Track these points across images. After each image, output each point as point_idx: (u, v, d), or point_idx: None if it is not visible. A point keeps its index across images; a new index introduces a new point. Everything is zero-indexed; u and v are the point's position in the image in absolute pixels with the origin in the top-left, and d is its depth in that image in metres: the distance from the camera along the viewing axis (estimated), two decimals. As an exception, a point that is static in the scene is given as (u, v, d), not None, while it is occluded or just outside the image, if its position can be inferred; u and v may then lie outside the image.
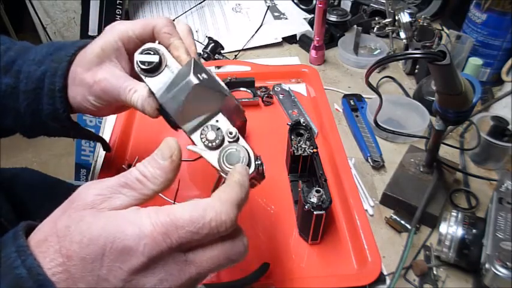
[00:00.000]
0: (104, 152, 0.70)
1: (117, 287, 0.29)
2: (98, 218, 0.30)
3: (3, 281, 0.29)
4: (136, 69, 0.45)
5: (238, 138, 0.42)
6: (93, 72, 0.49)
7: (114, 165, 0.68)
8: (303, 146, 0.64)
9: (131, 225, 0.29)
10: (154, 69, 0.45)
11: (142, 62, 0.44)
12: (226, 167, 0.40)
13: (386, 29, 0.95)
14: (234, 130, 0.41)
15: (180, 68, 0.45)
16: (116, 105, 0.52)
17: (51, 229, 0.30)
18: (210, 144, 0.41)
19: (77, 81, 0.50)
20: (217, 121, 0.42)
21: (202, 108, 0.42)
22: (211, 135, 0.41)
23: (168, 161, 0.33)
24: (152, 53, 0.45)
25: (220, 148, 0.41)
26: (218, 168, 0.40)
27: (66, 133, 0.55)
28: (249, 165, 0.40)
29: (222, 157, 0.40)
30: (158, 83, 0.44)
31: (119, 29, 0.49)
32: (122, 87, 0.47)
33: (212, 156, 0.41)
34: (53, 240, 0.30)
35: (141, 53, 0.45)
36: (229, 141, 0.41)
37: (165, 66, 0.45)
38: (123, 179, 0.33)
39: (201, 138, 0.41)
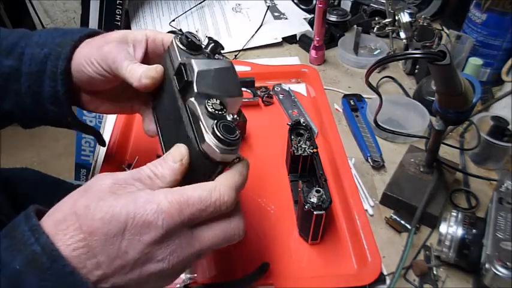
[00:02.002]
0: (104, 152, 0.71)
1: (135, 258, 0.33)
2: (117, 198, 0.34)
3: (19, 257, 0.31)
4: (177, 44, 0.45)
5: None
6: (105, 43, 0.50)
7: (114, 165, 0.68)
8: (303, 146, 0.64)
9: (150, 202, 0.33)
10: (196, 48, 0.46)
11: (187, 37, 0.45)
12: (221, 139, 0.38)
13: (386, 29, 0.95)
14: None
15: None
16: (112, 88, 0.53)
17: (70, 209, 0.33)
18: (214, 112, 0.40)
19: (87, 47, 0.51)
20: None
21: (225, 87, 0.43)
22: (217, 105, 0.40)
23: (178, 164, 0.38)
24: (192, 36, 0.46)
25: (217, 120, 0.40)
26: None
27: (64, 120, 0.55)
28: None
29: (219, 125, 0.38)
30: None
31: (150, 30, 0.52)
32: (121, 59, 0.48)
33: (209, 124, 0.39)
34: (72, 218, 0.33)
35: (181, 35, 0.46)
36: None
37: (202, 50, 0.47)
38: (136, 174, 0.37)
39: (207, 106, 0.40)
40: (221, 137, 0.36)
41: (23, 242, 0.32)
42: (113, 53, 0.48)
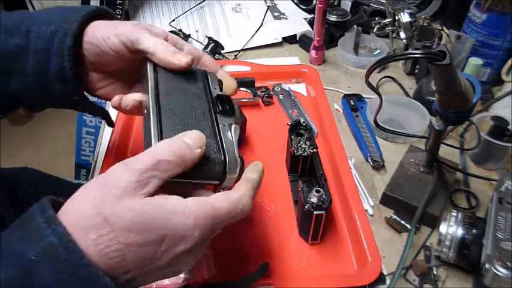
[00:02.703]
0: (104, 152, 0.71)
1: (167, 263, 0.35)
2: (151, 208, 0.34)
3: (34, 248, 0.31)
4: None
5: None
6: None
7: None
8: (303, 146, 0.64)
9: (188, 216, 0.35)
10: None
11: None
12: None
13: (386, 29, 0.95)
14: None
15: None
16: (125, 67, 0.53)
17: (97, 216, 0.32)
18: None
19: (102, 23, 0.51)
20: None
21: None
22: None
23: (199, 150, 0.38)
24: None
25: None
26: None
27: (71, 99, 0.54)
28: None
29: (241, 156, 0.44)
30: None
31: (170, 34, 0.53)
32: (143, 33, 0.49)
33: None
34: (105, 229, 0.32)
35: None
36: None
37: None
38: (153, 158, 0.35)
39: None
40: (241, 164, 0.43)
41: (38, 232, 0.31)
42: (133, 29, 0.49)
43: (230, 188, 0.41)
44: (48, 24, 0.50)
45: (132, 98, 0.52)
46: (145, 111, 0.45)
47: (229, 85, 0.53)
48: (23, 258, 0.30)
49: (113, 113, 0.80)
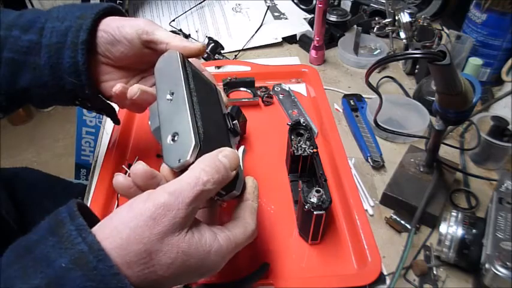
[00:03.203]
0: (104, 152, 0.71)
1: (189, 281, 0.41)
2: (191, 248, 0.36)
3: (65, 255, 0.31)
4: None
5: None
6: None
7: (114, 165, 0.68)
8: (303, 146, 0.64)
9: (221, 258, 0.39)
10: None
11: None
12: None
13: (386, 29, 0.95)
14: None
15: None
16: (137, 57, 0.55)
17: (144, 253, 0.33)
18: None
19: (118, 18, 0.54)
20: None
21: None
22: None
23: (234, 173, 0.40)
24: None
25: None
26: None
27: (81, 93, 0.55)
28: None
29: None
30: None
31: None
32: (157, 26, 0.53)
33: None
34: (148, 264, 0.34)
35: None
36: None
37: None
38: (199, 189, 0.36)
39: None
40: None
41: (70, 240, 0.32)
42: (146, 22, 0.53)
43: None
44: (62, 20, 0.52)
45: (139, 87, 0.52)
46: (158, 106, 0.44)
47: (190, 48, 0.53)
48: (55, 266, 0.31)
49: (115, 106, 0.80)
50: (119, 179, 0.40)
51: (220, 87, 0.84)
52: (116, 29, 0.52)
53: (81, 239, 0.32)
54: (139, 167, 0.39)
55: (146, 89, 0.53)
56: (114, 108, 0.62)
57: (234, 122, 0.49)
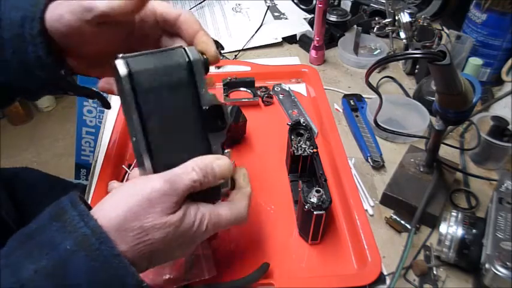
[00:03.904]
0: (104, 152, 0.70)
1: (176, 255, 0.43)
2: (181, 221, 0.40)
3: (69, 238, 0.34)
4: (200, 57, 0.43)
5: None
6: None
7: (114, 165, 0.68)
8: (303, 146, 0.64)
9: (201, 224, 0.42)
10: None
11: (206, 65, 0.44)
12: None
13: (386, 29, 0.95)
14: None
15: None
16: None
17: (139, 229, 0.37)
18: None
19: (57, 2, 0.46)
20: None
21: None
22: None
23: (220, 181, 0.43)
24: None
25: None
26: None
27: (58, 84, 0.50)
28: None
29: None
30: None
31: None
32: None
33: None
34: (143, 238, 0.37)
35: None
36: None
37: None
38: (190, 183, 0.40)
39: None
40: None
41: (73, 225, 0.35)
42: None
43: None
44: (17, 9, 0.46)
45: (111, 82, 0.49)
46: (129, 125, 0.42)
47: (212, 55, 0.45)
48: (59, 248, 0.34)
49: (115, 109, 0.80)
50: (114, 186, 0.43)
51: (220, 87, 0.85)
52: (56, 22, 0.44)
53: (83, 223, 0.34)
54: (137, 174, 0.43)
55: None
56: (101, 94, 0.56)
57: (217, 114, 0.44)
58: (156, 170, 0.41)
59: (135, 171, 0.46)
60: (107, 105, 0.60)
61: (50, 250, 0.34)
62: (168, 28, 0.48)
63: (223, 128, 0.45)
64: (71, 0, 0.44)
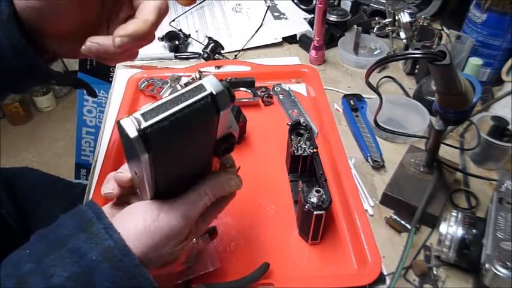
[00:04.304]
0: (104, 152, 0.70)
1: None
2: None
3: (95, 249, 0.37)
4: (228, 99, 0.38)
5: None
6: None
7: (114, 165, 0.68)
8: (303, 146, 0.64)
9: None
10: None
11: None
12: None
13: (386, 29, 0.95)
14: None
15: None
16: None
17: (157, 258, 0.41)
18: None
19: None
20: None
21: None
22: None
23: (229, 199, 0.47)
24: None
25: None
26: None
27: (38, 73, 0.46)
28: None
29: None
30: None
31: None
32: None
33: None
34: (158, 263, 0.42)
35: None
36: None
37: None
38: (200, 209, 0.43)
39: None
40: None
41: (99, 237, 0.37)
42: None
43: None
44: None
45: (97, 41, 0.44)
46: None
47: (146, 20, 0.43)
48: (86, 258, 0.36)
49: (115, 109, 0.80)
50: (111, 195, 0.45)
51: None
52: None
53: (108, 236, 0.37)
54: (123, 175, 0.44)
55: (125, 33, 0.42)
56: (85, 82, 0.54)
57: (228, 143, 0.42)
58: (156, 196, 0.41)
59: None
60: (93, 94, 0.55)
61: (78, 259, 0.36)
62: None
63: (233, 149, 0.43)
64: None
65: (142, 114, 0.34)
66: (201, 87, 0.36)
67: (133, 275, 0.37)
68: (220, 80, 0.37)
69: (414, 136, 0.72)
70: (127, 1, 0.46)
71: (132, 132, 0.33)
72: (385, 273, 0.56)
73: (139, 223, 0.40)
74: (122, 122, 0.33)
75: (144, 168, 0.36)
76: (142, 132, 0.33)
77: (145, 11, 0.43)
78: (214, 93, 0.36)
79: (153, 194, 0.41)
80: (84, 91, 0.55)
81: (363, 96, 0.84)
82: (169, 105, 0.35)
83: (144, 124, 0.33)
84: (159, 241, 0.40)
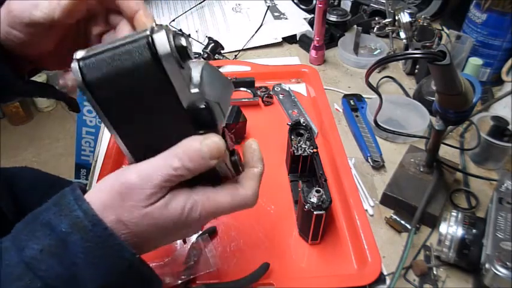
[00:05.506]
0: (104, 152, 0.70)
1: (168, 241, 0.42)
2: (163, 215, 0.38)
3: (64, 221, 0.36)
4: (172, 48, 0.33)
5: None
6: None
7: (114, 165, 0.68)
8: (303, 146, 0.64)
9: (194, 212, 0.39)
10: (188, 56, 0.35)
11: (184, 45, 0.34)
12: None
13: (386, 29, 0.95)
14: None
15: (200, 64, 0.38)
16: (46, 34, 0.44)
17: (118, 222, 0.37)
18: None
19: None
20: None
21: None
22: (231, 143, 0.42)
23: (214, 161, 0.38)
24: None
25: None
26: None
27: (17, 88, 0.47)
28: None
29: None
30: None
31: None
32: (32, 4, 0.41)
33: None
34: (124, 230, 0.37)
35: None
36: None
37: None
38: (165, 174, 0.37)
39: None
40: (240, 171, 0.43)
41: (68, 208, 0.36)
42: (20, 6, 0.41)
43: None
44: None
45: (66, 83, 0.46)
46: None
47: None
48: (57, 230, 0.36)
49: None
50: None
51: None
52: (12, 31, 0.42)
53: (77, 206, 0.36)
54: None
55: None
56: (65, 95, 0.53)
57: (202, 115, 0.37)
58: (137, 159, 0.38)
59: None
60: (76, 109, 0.54)
61: (49, 231, 0.36)
62: (110, 5, 0.45)
63: (215, 125, 0.37)
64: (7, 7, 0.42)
65: (84, 55, 0.34)
66: (142, 32, 0.33)
67: (107, 245, 0.36)
68: (182, 34, 0.34)
69: (414, 136, 0.72)
70: (101, 18, 0.46)
71: (75, 67, 0.33)
72: (385, 273, 0.56)
73: (105, 185, 0.38)
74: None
75: (98, 114, 0.36)
76: (77, 62, 0.33)
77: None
78: (152, 37, 0.32)
79: (134, 160, 0.39)
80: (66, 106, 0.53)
81: (363, 96, 0.84)
82: (105, 46, 0.34)
83: (79, 56, 0.34)
84: (119, 198, 0.37)
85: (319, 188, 0.55)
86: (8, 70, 0.45)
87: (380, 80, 0.91)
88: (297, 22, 1.08)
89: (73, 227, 0.35)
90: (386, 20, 0.94)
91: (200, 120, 0.37)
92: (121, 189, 0.37)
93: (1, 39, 0.43)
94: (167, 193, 0.38)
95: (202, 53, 0.97)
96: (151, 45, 0.32)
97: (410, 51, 0.83)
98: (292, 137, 0.65)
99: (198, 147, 0.37)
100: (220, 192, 0.40)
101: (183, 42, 0.33)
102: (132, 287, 0.39)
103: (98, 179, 0.65)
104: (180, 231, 0.41)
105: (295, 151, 0.63)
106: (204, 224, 0.43)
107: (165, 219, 0.38)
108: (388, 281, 0.55)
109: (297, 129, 0.67)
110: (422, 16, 0.92)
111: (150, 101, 0.35)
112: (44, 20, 0.41)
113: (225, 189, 0.41)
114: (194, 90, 0.35)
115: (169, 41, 0.33)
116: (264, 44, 1.02)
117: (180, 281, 0.52)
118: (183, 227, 0.40)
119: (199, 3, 1.15)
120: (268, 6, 1.12)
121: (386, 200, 0.64)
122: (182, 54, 0.33)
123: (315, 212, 0.54)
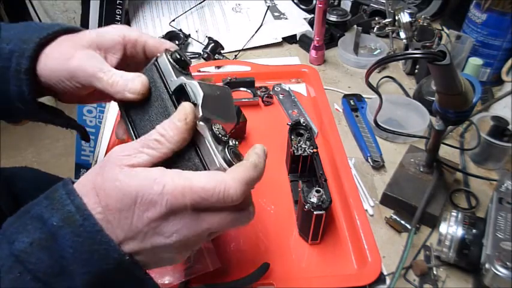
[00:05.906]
0: (104, 152, 0.71)
1: (143, 231, 0.37)
2: (130, 177, 0.37)
3: (56, 215, 0.36)
4: (169, 60, 0.45)
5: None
6: (74, 52, 0.47)
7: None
8: (303, 146, 0.64)
9: (157, 184, 0.36)
10: (185, 66, 0.46)
11: (179, 55, 0.45)
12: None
13: (386, 29, 0.95)
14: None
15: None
16: (89, 91, 0.50)
17: (91, 185, 0.38)
18: (220, 136, 0.42)
19: (52, 57, 0.48)
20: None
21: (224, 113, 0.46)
22: (221, 130, 0.43)
23: (182, 123, 0.39)
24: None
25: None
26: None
27: (36, 117, 0.53)
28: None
29: (229, 151, 0.42)
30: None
31: (130, 30, 0.49)
32: (95, 72, 0.46)
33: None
34: (92, 194, 0.37)
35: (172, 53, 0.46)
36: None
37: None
38: (144, 140, 0.39)
39: (214, 130, 0.42)
40: (232, 162, 0.40)
41: (60, 202, 0.37)
42: (82, 67, 0.46)
43: None
44: (7, 42, 0.47)
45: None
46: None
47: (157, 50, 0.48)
48: (47, 224, 0.36)
49: (116, 106, 0.80)
50: None
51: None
52: (56, 83, 0.47)
53: (69, 201, 0.36)
54: None
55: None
56: (81, 126, 0.60)
57: (186, 97, 0.42)
58: None
59: None
60: (86, 138, 0.61)
61: (40, 225, 0.36)
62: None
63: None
64: (69, 60, 0.46)
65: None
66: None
67: (96, 241, 0.36)
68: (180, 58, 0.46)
69: (414, 136, 0.72)
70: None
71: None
72: (385, 273, 0.56)
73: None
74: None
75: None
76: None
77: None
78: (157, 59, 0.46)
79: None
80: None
81: (363, 96, 0.84)
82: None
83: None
84: (98, 167, 0.38)
85: (319, 188, 0.55)
86: (33, 101, 0.49)
87: (380, 80, 0.91)
88: (297, 22, 1.08)
89: (64, 221, 0.36)
90: (387, 20, 0.94)
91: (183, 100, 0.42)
92: (103, 162, 0.39)
93: (42, 73, 0.47)
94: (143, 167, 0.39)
95: (202, 53, 0.97)
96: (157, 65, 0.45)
97: (410, 51, 0.83)
98: (292, 137, 0.66)
99: (170, 119, 0.40)
100: (197, 173, 0.38)
101: (179, 55, 0.45)
102: (122, 284, 0.38)
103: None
104: (149, 209, 0.36)
105: (295, 151, 0.63)
106: (182, 217, 0.37)
107: (130, 186, 0.36)
108: (388, 281, 0.55)
109: (297, 129, 0.67)
110: (422, 16, 0.92)
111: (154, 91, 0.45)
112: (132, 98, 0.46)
113: (205, 172, 0.39)
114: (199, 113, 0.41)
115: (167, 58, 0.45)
116: (264, 44, 1.02)
117: (180, 281, 0.52)
118: (150, 203, 0.36)
119: (199, 3, 1.15)
120: (268, 6, 1.12)
121: (386, 200, 0.64)
122: (179, 63, 0.45)
123: (315, 212, 0.54)
